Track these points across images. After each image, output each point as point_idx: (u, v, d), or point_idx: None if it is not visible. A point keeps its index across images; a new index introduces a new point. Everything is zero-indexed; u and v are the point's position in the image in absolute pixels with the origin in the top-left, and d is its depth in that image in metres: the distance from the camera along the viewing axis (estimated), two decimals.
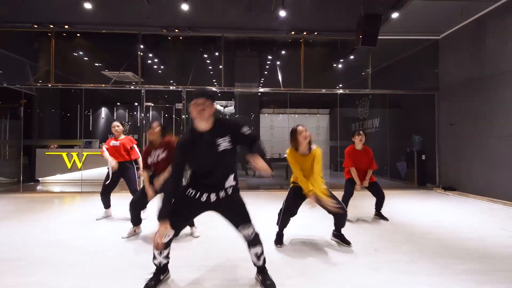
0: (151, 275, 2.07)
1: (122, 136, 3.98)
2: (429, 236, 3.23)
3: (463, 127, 6.14)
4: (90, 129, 9.88)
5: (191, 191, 1.93)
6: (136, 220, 3.18)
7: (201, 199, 1.92)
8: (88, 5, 5.28)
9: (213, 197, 1.92)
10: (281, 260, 2.54)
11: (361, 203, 4.91)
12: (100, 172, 7.83)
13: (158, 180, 3.00)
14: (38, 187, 7.24)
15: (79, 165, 7.82)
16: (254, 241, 1.96)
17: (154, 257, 2.04)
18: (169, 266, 2.15)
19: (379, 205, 3.97)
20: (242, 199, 2.03)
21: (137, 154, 3.99)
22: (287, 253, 2.72)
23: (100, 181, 6.81)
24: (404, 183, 7.55)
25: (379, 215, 4.01)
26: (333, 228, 3.06)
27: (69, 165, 7.85)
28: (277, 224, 2.95)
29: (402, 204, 5.00)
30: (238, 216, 1.97)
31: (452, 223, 3.81)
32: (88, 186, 7.06)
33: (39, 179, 7.77)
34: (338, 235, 3.02)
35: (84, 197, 5.82)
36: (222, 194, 1.93)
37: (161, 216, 1.83)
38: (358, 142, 3.84)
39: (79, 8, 5.64)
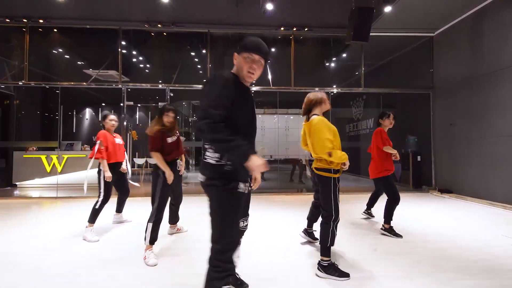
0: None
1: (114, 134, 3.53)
2: (426, 245, 2.92)
3: (460, 127, 5.88)
4: (74, 131, 9.48)
5: (240, 187, 1.45)
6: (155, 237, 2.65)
7: (245, 191, 1.50)
8: None
9: (248, 185, 1.54)
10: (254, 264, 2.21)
11: (351, 207, 4.60)
12: (80, 176, 7.45)
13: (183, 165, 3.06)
14: (15, 192, 6.82)
15: (59, 168, 7.42)
16: (243, 233, 1.73)
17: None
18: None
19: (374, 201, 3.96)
20: None
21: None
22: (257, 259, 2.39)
23: (77, 186, 6.39)
24: (399, 185, 7.26)
25: (369, 213, 4.04)
26: (306, 225, 3.00)
27: (48, 169, 7.44)
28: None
29: (397, 209, 4.69)
30: (247, 207, 1.71)
31: (451, 229, 3.52)
32: (64, 191, 6.67)
33: (17, 183, 7.36)
34: (310, 232, 2.96)
35: (58, 204, 5.41)
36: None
37: (247, 156, 1.31)
38: (389, 125, 3.49)
39: (54, 1, 5.29)
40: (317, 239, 2.98)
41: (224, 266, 1.40)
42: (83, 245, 2.94)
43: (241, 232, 1.67)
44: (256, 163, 1.29)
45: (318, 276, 2.21)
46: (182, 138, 3.12)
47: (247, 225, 1.69)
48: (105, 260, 2.55)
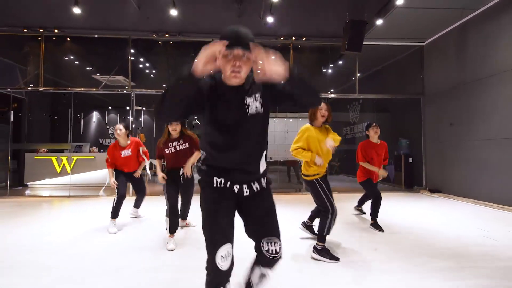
0: None
1: (129, 141, 3.67)
2: (408, 237, 3.30)
3: (448, 131, 6.28)
4: (81, 133, 9.85)
5: (217, 181, 1.32)
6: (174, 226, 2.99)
7: (233, 189, 1.34)
8: (77, 10, 5.34)
9: (245, 189, 1.35)
10: None
11: (347, 206, 4.98)
12: (89, 177, 7.81)
13: (187, 165, 3.10)
14: (27, 192, 7.17)
15: (68, 169, 7.78)
16: (274, 262, 1.38)
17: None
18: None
19: (365, 200, 4.19)
20: (273, 200, 1.44)
21: (144, 157, 3.78)
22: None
23: (89, 185, 6.63)
24: (392, 185, 7.66)
25: (360, 209, 4.38)
26: (307, 218, 3.25)
27: (58, 170, 7.80)
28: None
29: (388, 207, 5.06)
30: (267, 224, 1.39)
31: (434, 224, 3.90)
32: (76, 190, 7.02)
33: (28, 183, 7.71)
34: (310, 227, 3.23)
35: (72, 202, 5.78)
36: (256, 185, 1.37)
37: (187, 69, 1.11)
38: (374, 134, 3.66)
39: (69, 12, 5.70)
40: (316, 233, 3.15)
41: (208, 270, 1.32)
42: (107, 236, 3.31)
43: (271, 261, 1.37)
44: (200, 56, 1.09)
45: (313, 258, 2.60)
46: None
47: (276, 250, 1.35)
48: (128, 248, 2.92)
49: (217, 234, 1.30)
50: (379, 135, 3.72)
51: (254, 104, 1.29)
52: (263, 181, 1.40)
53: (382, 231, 3.51)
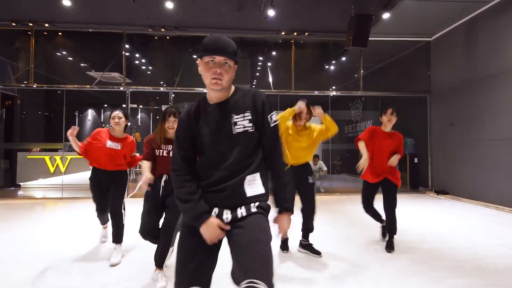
0: None
1: (124, 135, 2.82)
2: (420, 246, 3.07)
3: (455, 130, 6.05)
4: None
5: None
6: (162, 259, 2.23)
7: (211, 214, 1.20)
8: (67, 2, 5.05)
9: (227, 215, 1.16)
10: None
11: (351, 209, 4.75)
12: (83, 177, 7.57)
13: None
14: (19, 192, 6.94)
15: (62, 169, 7.53)
16: None
17: None
18: None
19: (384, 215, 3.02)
20: (269, 229, 1.17)
21: (135, 163, 2.98)
22: None
23: (83, 186, 6.25)
24: None
25: (390, 245, 2.89)
26: (301, 236, 2.80)
27: (52, 169, 7.55)
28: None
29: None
30: (251, 260, 1.04)
31: (445, 230, 3.68)
32: (69, 191, 6.78)
33: (21, 184, 7.47)
34: (307, 245, 2.76)
35: (64, 204, 5.54)
36: (242, 210, 1.16)
37: (199, 221, 1.14)
38: (386, 122, 2.93)
39: (59, 6, 5.41)
40: (317, 252, 2.74)
41: None
42: (98, 247, 3.09)
43: None
44: (206, 233, 1.12)
45: (299, 251, 2.84)
46: None
47: None
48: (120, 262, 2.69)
49: (184, 276, 1.13)
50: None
51: (242, 122, 1.19)
52: (253, 206, 1.17)
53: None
